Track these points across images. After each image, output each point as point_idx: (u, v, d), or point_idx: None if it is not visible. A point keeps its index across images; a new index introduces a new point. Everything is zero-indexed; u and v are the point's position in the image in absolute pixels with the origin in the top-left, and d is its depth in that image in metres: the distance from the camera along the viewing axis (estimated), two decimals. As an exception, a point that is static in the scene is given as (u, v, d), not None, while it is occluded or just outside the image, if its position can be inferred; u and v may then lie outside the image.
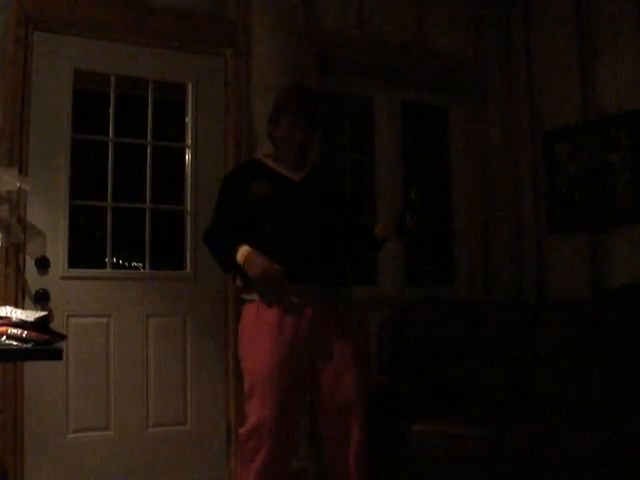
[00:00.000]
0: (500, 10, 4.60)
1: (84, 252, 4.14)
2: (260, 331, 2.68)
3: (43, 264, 3.35)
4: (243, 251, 2.61)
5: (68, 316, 3.39)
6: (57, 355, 2.17)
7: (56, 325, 2.82)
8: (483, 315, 3.88)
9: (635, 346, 3.34)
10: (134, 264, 4.69)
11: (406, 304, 4.06)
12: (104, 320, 3.50)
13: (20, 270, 3.28)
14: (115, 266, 3.91)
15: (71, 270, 3.45)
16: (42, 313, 2.27)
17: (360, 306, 4.00)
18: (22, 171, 3.28)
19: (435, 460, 3.10)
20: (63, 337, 2.29)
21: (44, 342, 2.16)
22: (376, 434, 3.19)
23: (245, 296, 2.76)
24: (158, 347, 3.59)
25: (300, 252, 2.71)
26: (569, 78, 4.25)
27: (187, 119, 3.80)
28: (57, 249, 3.41)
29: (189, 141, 3.78)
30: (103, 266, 3.69)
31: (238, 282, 2.78)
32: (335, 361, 2.73)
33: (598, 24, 4.11)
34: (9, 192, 3.21)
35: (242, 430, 2.69)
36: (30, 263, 3.33)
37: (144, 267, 3.75)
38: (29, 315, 2.24)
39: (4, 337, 2.13)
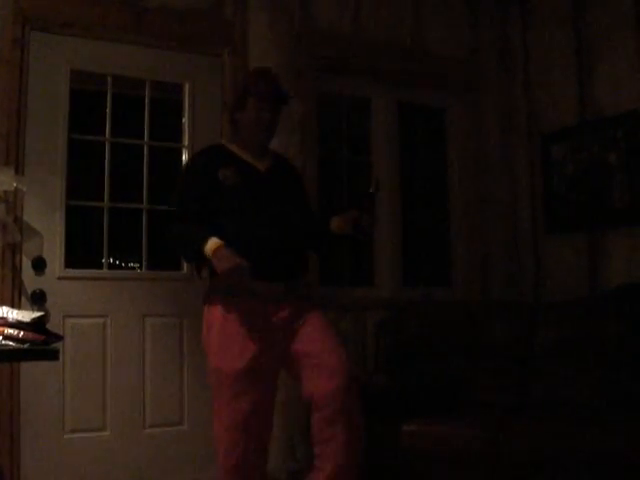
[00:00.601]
0: (497, 10, 4.60)
1: (81, 252, 4.11)
2: (229, 330, 2.65)
3: (40, 264, 3.34)
4: (213, 243, 2.52)
5: (64, 316, 3.39)
6: (53, 356, 2.17)
7: (52, 325, 2.81)
8: (480, 315, 3.88)
9: (633, 346, 3.34)
10: (131, 264, 4.67)
11: (403, 305, 4.05)
12: (101, 320, 3.49)
13: (16, 270, 3.27)
14: (112, 266, 3.89)
15: (68, 270, 3.45)
16: (38, 313, 2.27)
17: (357, 307, 4.01)
18: (18, 171, 3.27)
19: (433, 460, 3.10)
20: (59, 338, 2.29)
21: (40, 342, 2.16)
22: (374, 434, 3.20)
23: (210, 293, 2.72)
24: (155, 347, 3.58)
25: (267, 247, 2.67)
26: (566, 78, 4.24)
27: (184, 119, 3.79)
28: (54, 249, 3.40)
29: (186, 141, 3.77)
30: (100, 266, 3.67)
31: (204, 274, 2.73)
32: (310, 339, 2.68)
33: (595, 24, 4.10)
34: (5, 192, 3.20)
35: (215, 430, 2.66)
36: (27, 263, 3.32)
37: (141, 267, 3.75)
38: (25, 315, 2.23)
39: (0, 337, 2.13)
